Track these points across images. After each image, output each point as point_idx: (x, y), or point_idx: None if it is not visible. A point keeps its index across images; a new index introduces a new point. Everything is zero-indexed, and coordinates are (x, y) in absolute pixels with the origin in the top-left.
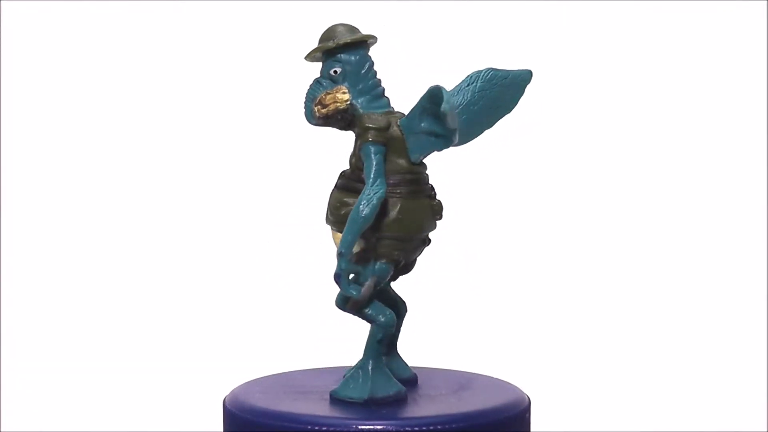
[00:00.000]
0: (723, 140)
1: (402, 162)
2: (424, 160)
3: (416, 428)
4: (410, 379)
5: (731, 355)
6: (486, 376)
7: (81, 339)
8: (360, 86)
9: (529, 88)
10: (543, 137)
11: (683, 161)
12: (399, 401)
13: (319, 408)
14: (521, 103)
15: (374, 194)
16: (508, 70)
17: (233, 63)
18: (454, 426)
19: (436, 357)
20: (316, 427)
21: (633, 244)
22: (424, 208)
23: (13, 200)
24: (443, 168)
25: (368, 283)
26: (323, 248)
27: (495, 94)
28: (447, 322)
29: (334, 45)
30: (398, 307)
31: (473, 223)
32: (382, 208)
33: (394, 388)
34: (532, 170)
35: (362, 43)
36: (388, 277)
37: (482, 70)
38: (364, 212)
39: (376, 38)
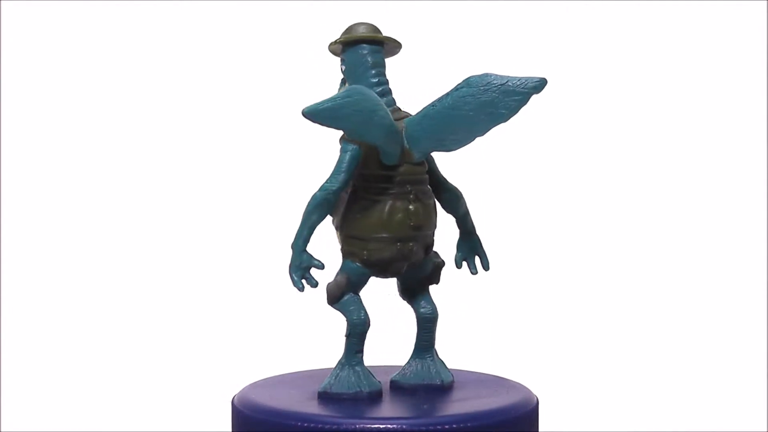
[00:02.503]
0: (723, 140)
1: (377, 163)
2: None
3: (424, 428)
4: (443, 385)
5: (734, 355)
6: (494, 375)
7: (88, 339)
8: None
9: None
10: (552, 139)
11: (684, 161)
12: (373, 398)
13: (327, 407)
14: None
15: (323, 189)
16: (506, 77)
17: (245, 63)
18: (462, 425)
19: (443, 357)
20: (321, 426)
21: (641, 246)
22: (393, 210)
23: (13, 200)
24: (454, 168)
25: (336, 279)
26: (329, 249)
27: (487, 101)
28: (455, 322)
29: (334, 42)
30: (421, 312)
31: (480, 223)
32: (348, 207)
33: (354, 387)
34: (541, 172)
35: (362, 42)
36: (364, 277)
37: (475, 75)
38: (309, 206)
39: (380, 38)
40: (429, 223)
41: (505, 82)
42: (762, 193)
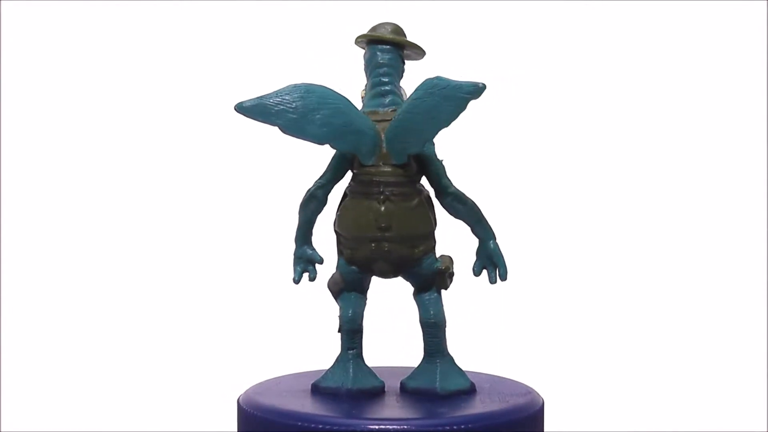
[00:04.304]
0: (723, 140)
1: (358, 162)
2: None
3: (431, 429)
4: (438, 393)
5: (734, 355)
6: (500, 377)
7: (94, 341)
8: (368, 83)
9: (534, 89)
10: (556, 142)
11: (685, 162)
12: (376, 393)
13: (333, 407)
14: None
15: (312, 184)
16: (448, 80)
17: (251, 62)
18: (469, 426)
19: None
20: (328, 427)
21: (645, 248)
22: (363, 210)
23: (13, 201)
24: (461, 169)
25: (333, 276)
26: (334, 249)
27: (432, 104)
28: (460, 322)
29: (356, 41)
30: (422, 316)
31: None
32: (338, 205)
33: (337, 383)
34: (549, 175)
35: (374, 42)
36: (355, 275)
37: (429, 78)
38: (301, 201)
39: (389, 39)
40: (403, 225)
41: (446, 86)
42: (762, 193)
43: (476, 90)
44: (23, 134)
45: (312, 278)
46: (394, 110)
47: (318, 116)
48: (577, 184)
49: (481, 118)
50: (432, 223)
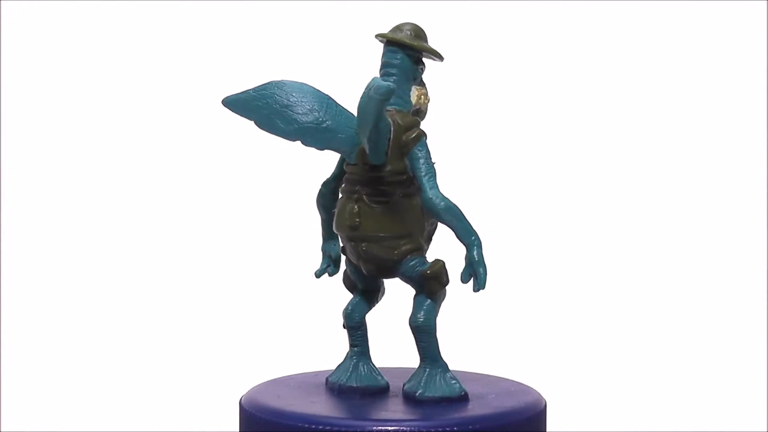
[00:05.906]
0: (723, 140)
1: (346, 161)
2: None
3: (432, 430)
4: (415, 398)
5: (734, 355)
6: (502, 378)
7: (96, 341)
8: None
9: (534, 88)
10: (557, 140)
11: (684, 162)
12: (380, 394)
13: (336, 409)
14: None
15: None
16: (374, 81)
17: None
18: (470, 428)
19: (450, 359)
20: (329, 428)
21: (648, 249)
22: (342, 209)
23: (13, 202)
24: (454, 165)
25: (344, 272)
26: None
27: (362, 104)
28: (461, 323)
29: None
30: (409, 319)
31: (488, 224)
32: None
33: (337, 378)
34: (548, 174)
35: (387, 42)
36: (355, 274)
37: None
38: None
39: (395, 39)
40: (372, 226)
41: (371, 86)
42: (762, 193)
43: (386, 91)
44: (22, 134)
45: (331, 273)
46: (389, 111)
47: (288, 113)
48: (576, 184)
49: (482, 118)
50: (410, 225)
